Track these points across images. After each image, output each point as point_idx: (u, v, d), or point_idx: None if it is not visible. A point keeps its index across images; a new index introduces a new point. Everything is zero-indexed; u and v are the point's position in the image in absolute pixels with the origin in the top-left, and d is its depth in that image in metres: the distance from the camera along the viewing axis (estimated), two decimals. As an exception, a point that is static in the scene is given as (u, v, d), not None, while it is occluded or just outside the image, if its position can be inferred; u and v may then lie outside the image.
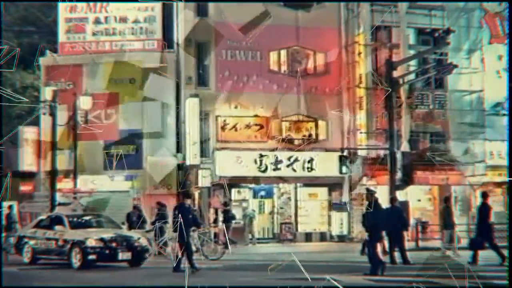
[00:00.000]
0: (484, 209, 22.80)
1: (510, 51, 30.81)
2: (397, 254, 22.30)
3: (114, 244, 21.62)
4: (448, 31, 29.26)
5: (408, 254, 22.71)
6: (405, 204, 29.85)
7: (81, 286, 18.16)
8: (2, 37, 32.27)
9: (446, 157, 35.53)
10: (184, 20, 34.06)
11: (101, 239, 21.54)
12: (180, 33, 34.22)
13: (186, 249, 19.08)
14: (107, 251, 21.45)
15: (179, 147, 33.44)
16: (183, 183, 33.05)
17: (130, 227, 27.12)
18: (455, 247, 24.55)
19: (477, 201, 35.88)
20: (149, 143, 33.39)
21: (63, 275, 20.20)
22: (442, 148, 36.01)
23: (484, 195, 24.20)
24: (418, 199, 35.74)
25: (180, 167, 33.20)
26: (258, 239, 33.59)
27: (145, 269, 21.51)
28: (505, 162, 36.33)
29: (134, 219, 28.23)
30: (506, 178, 36.73)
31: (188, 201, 20.16)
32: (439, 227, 25.45)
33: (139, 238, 22.51)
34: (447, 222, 24.70)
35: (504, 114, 37.13)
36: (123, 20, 34.89)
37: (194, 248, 25.42)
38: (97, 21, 34.98)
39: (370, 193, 19.83)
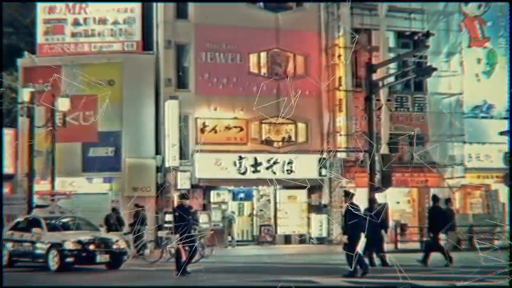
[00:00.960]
0: (435, 212, 23.12)
1: (511, 51, 30.92)
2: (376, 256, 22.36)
3: (92, 247, 21.45)
4: (427, 34, 29.25)
5: (387, 256, 22.78)
6: (384, 206, 29.89)
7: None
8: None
9: (425, 160, 35.67)
10: (163, 21, 33.97)
11: (79, 242, 21.37)
12: (159, 35, 34.12)
13: (188, 251, 18.94)
14: (85, 254, 21.29)
15: (158, 149, 33.32)
16: (162, 185, 32.96)
17: (108, 230, 26.97)
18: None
19: (456, 203, 36.15)
20: (128, 145, 33.26)
21: (40, 278, 20.03)
22: (421, 150, 36.11)
23: (435, 198, 24.48)
24: (397, 201, 35.84)
25: (159, 169, 33.07)
26: (238, 241, 33.54)
27: (124, 271, 21.40)
28: (483, 164, 36.56)
29: (112, 222, 28.11)
30: (484, 181, 36.95)
31: (187, 202, 20.05)
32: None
33: (117, 241, 22.35)
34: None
35: (483, 117, 37.35)
36: (102, 21, 34.76)
37: (173, 251, 25.47)
38: (76, 23, 34.82)
39: (348, 195, 19.82)
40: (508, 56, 37.09)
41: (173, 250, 25.38)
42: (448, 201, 24.54)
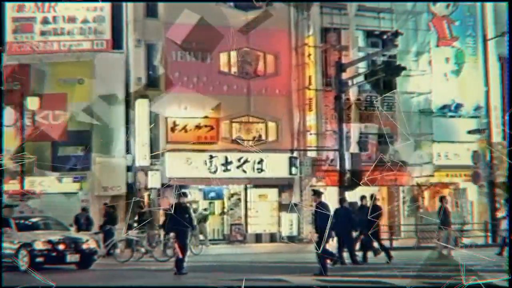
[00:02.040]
0: (364, 211, 23.55)
1: (510, 51, 31.17)
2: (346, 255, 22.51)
3: (62, 247, 21.39)
4: (396, 34, 29.51)
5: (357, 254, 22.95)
6: (354, 205, 30.08)
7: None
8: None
9: (394, 158, 35.88)
10: (133, 20, 33.85)
11: (49, 241, 21.29)
12: (129, 34, 34.00)
13: (184, 250, 18.90)
14: (54, 254, 21.21)
15: (129, 148, 33.20)
16: (132, 185, 32.87)
17: (79, 229, 26.89)
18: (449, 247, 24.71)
19: (425, 201, 36.49)
20: (98, 144, 33.09)
21: (9, 278, 19.89)
22: (391, 149, 36.33)
23: (363, 198, 24.79)
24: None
25: (130, 168, 32.97)
26: (209, 240, 33.51)
27: (94, 271, 21.34)
28: (452, 162, 36.86)
29: (82, 221, 28.02)
30: (453, 179, 37.26)
31: (186, 200, 20.01)
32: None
33: (87, 240, 22.30)
34: (444, 221, 24.87)
35: (451, 116, 37.66)
36: (72, 20, 34.52)
37: (143, 250, 25.48)
38: (45, 21, 34.54)
39: (317, 194, 19.95)
40: (507, 56, 37.12)
41: (143, 250, 25.48)
42: (370, 198, 24.59)
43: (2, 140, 25.76)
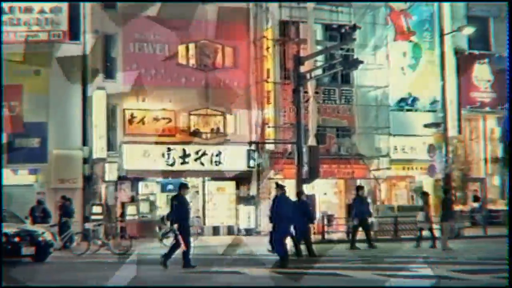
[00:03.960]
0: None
1: (510, 50, 31.27)
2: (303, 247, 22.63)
3: (17, 239, 21.10)
4: (354, 28, 29.55)
5: (314, 246, 23.08)
6: (311, 197, 30.24)
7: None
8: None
9: (351, 151, 36.15)
10: (91, 11, 33.56)
11: (4, 234, 21.02)
12: (87, 25, 33.68)
13: (188, 243, 18.66)
14: (10, 246, 20.90)
15: (85, 140, 32.93)
16: (89, 177, 32.64)
17: (34, 222, 26.64)
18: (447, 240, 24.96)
19: (382, 194, 36.82)
20: (54, 136, 32.76)
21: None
22: (348, 142, 36.58)
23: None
24: (325, 192, 36.22)
25: (86, 160, 32.72)
26: (166, 233, 33.36)
27: (49, 264, 21.18)
28: (408, 156, 37.21)
29: (38, 214, 27.77)
30: (409, 172, 37.64)
31: (187, 192, 19.86)
32: (439, 218, 25.95)
33: (43, 233, 22.09)
34: (446, 214, 25.06)
35: (408, 110, 37.99)
36: (28, 10, 34.07)
37: (99, 243, 25.37)
38: (1, 11, 34.05)
39: (280, 187, 20.09)
40: (508, 55, 37.34)
41: (99, 242, 25.33)
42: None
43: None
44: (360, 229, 25.92)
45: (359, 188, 27.31)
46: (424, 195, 27.70)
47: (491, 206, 37.88)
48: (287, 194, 20.38)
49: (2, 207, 23.17)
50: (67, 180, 32.38)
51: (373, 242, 25.70)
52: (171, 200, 19.50)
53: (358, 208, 26.10)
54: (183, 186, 19.63)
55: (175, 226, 18.67)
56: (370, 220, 26.48)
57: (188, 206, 19.22)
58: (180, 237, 18.54)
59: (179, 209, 18.79)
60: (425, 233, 25.84)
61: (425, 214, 26.11)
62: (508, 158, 35.10)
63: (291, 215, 19.67)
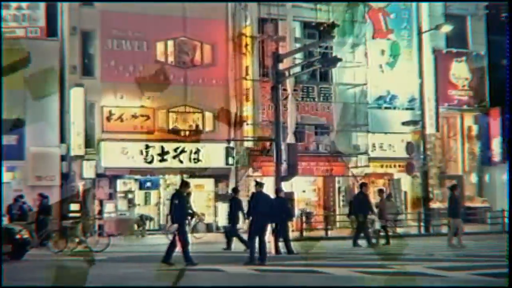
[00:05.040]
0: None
1: (510, 50, 31.43)
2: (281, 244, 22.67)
3: (-7, 237, 21.01)
4: (332, 25, 29.66)
5: (292, 244, 23.11)
6: (290, 195, 30.23)
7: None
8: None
9: (330, 149, 36.22)
10: (68, 8, 33.38)
11: (-20, 232, 20.91)
12: (64, 21, 33.50)
13: (184, 241, 18.58)
14: (-14, 244, 20.82)
15: (63, 138, 32.75)
16: (66, 174, 32.46)
17: (11, 219, 26.47)
18: (452, 236, 24.99)
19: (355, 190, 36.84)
20: (31, 133, 32.52)
21: None
22: (327, 140, 36.65)
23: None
24: (303, 190, 36.26)
25: (64, 157, 32.53)
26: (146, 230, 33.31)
27: (26, 261, 21.06)
28: (386, 154, 37.33)
29: (15, 211, 27.59)
30: (387, 170, 37.76)
31: (188, 190, 19.66)
32: (447, 214, 25.95)
33: (20, 231, 21.96)
34: (453, 211, 25.00)
35: (386, 108, 38.12)
36: (5, 6, 33.82)
37: (77, 240, 25.23)
38: (-23, 7, 33.82)
39: (259, 185, 20.11)
40: (508, 55, 37.47)
41: (77, 240, 25.22)
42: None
43: None
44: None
45: (363, 185, 27.28)
46: (380, 192, 28.00)
47: (468, 204, 38.06)
48: (265, 191, 20.39)
49: None
50: (45, 178, 32.16)
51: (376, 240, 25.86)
52: (171, 199, 19.25)
53: (363, 205, 25.97)
54: (184, 184, 19.49)
55: (175, 226, 18.54)
56: (372, 217, 26.27)
57: (188, 205, 19.11)
58: (177, 237, 18.48)
59: (180, 208, 18.66)
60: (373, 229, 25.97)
61: (379, 212, 26.43)
62: (508, 157, 35.30)
63: (268, 212, 19.67)
